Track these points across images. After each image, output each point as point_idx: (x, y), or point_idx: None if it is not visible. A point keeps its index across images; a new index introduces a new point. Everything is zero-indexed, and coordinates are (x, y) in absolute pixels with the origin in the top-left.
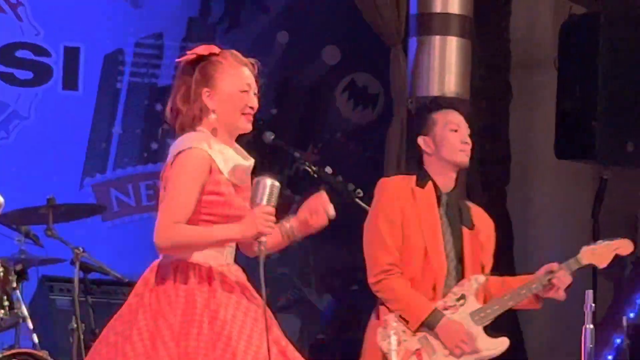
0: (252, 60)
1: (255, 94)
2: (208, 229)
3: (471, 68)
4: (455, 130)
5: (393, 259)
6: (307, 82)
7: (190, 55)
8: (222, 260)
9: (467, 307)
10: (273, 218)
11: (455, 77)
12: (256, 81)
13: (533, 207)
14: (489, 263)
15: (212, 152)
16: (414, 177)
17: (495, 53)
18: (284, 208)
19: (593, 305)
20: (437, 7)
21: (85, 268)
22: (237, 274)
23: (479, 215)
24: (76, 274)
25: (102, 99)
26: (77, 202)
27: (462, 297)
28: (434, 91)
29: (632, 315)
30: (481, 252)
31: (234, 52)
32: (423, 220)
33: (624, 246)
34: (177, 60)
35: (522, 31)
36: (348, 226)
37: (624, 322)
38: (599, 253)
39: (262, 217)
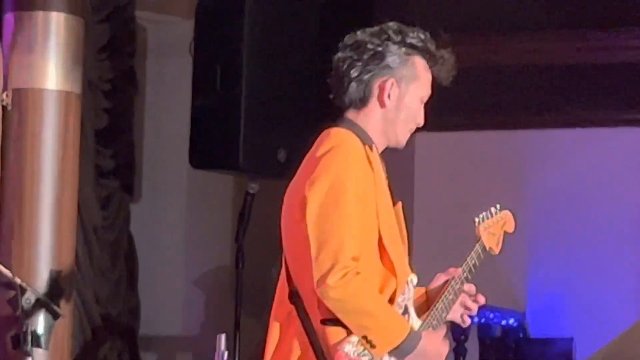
0: None
1: None
2: None
3: (85, 54)
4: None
5: (359, 252)
6: None
7: None
8: None
9: (411, 323)
10: None
11: (62, 63)
12: None
13: (163, 227)
14: None
15: None
16: (351, 132)
17: (117, 35)
18: None
19: (226, 352)
20: None
21: None
22: None
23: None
24: None
25: None
26: None
27: (405, 310)
28: (32, 83)
29: None
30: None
31: None
32: (379, 199)
33: (509, 221)
34: None
35: (150, 10)
36: None
37: None
38: (492, 232)
39: None
